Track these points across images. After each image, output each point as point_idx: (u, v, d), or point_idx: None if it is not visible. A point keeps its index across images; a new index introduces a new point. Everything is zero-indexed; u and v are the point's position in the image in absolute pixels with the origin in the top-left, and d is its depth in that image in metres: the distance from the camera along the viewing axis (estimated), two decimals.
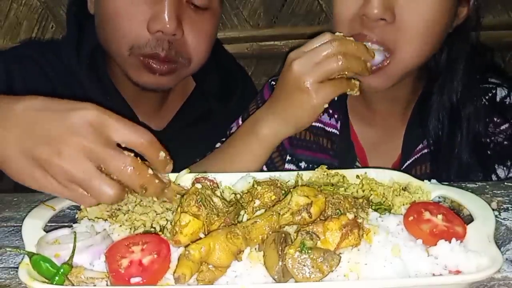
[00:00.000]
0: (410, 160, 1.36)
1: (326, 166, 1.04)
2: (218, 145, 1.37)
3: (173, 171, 1.03)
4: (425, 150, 1.36)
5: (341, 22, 1.18)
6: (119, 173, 0.83)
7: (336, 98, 1.40)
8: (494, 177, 1.33)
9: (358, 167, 1.37)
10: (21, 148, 0.84)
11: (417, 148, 1.36)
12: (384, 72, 1.16)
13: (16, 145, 0.85)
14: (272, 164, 1.41)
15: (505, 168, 1.33)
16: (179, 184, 0.96)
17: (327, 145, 1.41)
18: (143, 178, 0.85)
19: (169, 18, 1.26)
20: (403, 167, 1.36)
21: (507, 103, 1.37)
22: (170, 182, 0.92)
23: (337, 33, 1.10)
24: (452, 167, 1.31)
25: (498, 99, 1.36)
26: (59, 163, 0.82)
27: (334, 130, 1.41)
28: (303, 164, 1.42)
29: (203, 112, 1.56)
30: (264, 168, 1.40)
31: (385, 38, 1.13)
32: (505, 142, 1.34)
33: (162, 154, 0.87)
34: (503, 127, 1.35)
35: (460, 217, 0.88)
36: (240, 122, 1.41)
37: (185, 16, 1.30)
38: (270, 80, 1.49)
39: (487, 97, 1.36)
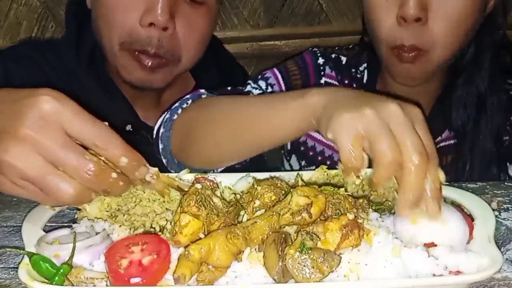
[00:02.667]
0: None
1: (326, 166, 1.04)
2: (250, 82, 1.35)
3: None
4: (443, 143, 1.38)
5: (382, 28, 1.21)
6: (77, 177, 0.75)
7: (365, 81, 1.43)
8: (505, 176, 1.34)
9: None
10: None
11: (436, 141, 1.38)
12: (421, 63, 1.20)
13: None
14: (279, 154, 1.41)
15: None
16: (168, 176, 0.89)
17: None
18: (105, 183, 0.77)
19: (161, 10, 1.25)
20: None
21: None
22: (157, 174, 0.84)
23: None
24: (477, 155, 1.33)
25: None
26: (8, 160, 0.73)
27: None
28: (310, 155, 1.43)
29: None
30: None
31: (421, 39, 1.18)
32: None
33: (124, 159, 0.78)
34: None
35: (469, 217, 0.87)
36: (276, 70, 1.40)
37: (178, 10, 1.29)
38: (311, 48, 1.49)
39: (505, 97, 1.37)
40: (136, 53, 1.30)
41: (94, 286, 0.77)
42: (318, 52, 1.47)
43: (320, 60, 1.45)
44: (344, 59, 1.46)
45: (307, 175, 1.02)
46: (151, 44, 1.28)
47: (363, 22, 1.35)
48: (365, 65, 1.46)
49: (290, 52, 2.03)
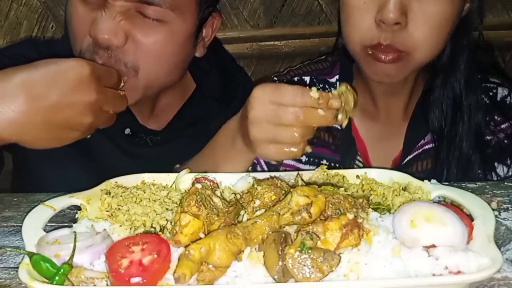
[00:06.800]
0: (411, 156, 1.38)
1: (326, 166, 1.04)
2: None
3: (173, 171, 1.04)
4: (427, 146, 1.38)
5: (358, 29, 1.21)
6: (114, 103, 1.10)
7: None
8: (494, 176, 1.34)
9: (360, 161, 1.38)
10: (36, 120, 0.98)
11: (419, 144, 1.38)
12: (400, 64, 1.20)
13: (29, 117, 0.97)
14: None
15: (504, 167, 1.34)
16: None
17: (328, 139, 1.42)
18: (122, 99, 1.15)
19: (105, 26, 1.20)
20: (404, 162, 1.37)
21: (507, 102, 1.38)
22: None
23: (313, 90, 0.99)
24: (454, 157, 1.32)
25: (498, 98, 1.38)
26: (84, 121, 1.02)
27: (335, 125, 1.42)
28: (303, 158, 1.42)
29: (203, 114, 1.56)
30: (265, 167, 1.40)
31: (399, 41, 1.18)
32: (505, 141, 1.35)
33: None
34: (503, 126, 1.37)
35: (468, 217, 0.87)
36: None
37: (131, 25, 1.23)
38: (273, 76, 1.50)
39: (488, 96, 1.37)
40: None
41: (95, 285, 0.77)
42: (277, 82, 1.46)
43: None
44: (307, 78, 1.46)
45: (307, 175, 1.02)
46: (98, 54, 1.23)
47: (339, 25, 1.33)
48: (337, 76, 1.46)
49: (290, 52, 2.04)
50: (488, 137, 1.36)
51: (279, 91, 1.00)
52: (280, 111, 0.99)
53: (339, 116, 0.99)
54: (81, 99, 1.00)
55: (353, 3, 1.21)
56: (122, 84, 1.19)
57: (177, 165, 1.34)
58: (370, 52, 1.21)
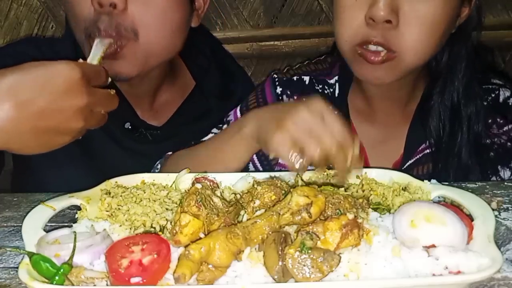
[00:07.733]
0: (412, 160, 1.36)
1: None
2: (213, 130, 1.40)
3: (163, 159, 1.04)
4: (427, 151, 1.36)
5: (349, 27, 1.20)
6: (105, 103, 1.04)
7: (336, 95, 1.43)
8: (497, 179, 1.33)
9: None
10: (24, 127, 0.91)
11: (419, 148, 1.37)
12: (389, 66, 1.18)
13: (17, 124, 0.90)
14: (266, 160, 1.41)
15: (507, 170, 1.34)
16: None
17: None
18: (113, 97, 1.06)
19: None
20: (404, 166, 1.36)
21: (510, 104, 1.37)
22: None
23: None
24: (452, 167, 1.31)
25: (501, 100, 1.37)
26: (75, 126, 0.95)
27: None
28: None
29: (203, 111, 1.57)
30: (259, 167, 1.40)
31: (389, 40, 1.16)
32: (508, 144, 1.35)
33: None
34: (506, 128, 1.35)
35: (468, 217, 0.87)
36: (238, 112, 1.43)
37: None
38: (272, 74, 1.49)
39: (490, 98, 1.36)
40: (90, 40, 1.27)
41: (95, 285, 0.77)
42: (277, 79, 1.46)
43: (278, 89, 1.45)
44: (307, 78, 1.45)
45: (307, 175, 1.02)
46: (102, 24, 1.25)
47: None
48: (336, 77, 1.45)
49: (290, 52, 2.04)
50: (490, 140, 1.35)
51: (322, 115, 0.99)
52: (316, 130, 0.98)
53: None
54: (72, 104, 0.95)
55: (345, 1, 1.20)
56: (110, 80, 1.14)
57: (169, 153, 1.35)
58: (359, 52, 1.19)
